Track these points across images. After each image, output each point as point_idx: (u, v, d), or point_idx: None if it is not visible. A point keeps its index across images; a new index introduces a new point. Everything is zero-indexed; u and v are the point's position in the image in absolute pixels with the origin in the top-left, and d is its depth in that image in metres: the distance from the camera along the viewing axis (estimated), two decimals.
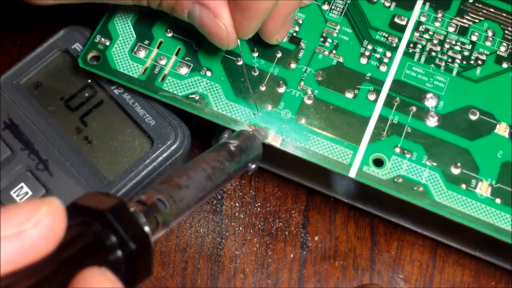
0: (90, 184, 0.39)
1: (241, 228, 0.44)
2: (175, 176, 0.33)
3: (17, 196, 0.39)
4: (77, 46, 0.42)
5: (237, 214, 0.44)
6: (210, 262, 0.43)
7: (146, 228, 0.28)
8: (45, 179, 0.39)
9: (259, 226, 0.44)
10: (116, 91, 0.41)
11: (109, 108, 0.41)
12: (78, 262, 0.26)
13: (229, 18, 0.36)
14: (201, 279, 0.42)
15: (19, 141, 0.40)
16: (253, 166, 0.37)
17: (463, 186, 0.38)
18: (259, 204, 0.44)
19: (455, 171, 0.38)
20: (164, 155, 0.40)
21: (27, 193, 0.39)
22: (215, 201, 0.44)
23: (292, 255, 0.43)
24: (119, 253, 0.27)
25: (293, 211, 0.44)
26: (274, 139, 0.39)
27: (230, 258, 0.43)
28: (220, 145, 0.36)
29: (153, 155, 0.40)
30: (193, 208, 0.33)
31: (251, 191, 0.44)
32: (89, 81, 0.42)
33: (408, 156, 0.39)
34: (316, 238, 0.43)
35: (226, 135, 0.38)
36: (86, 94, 0.41)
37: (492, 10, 0.42)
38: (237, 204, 0.44)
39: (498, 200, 0.38)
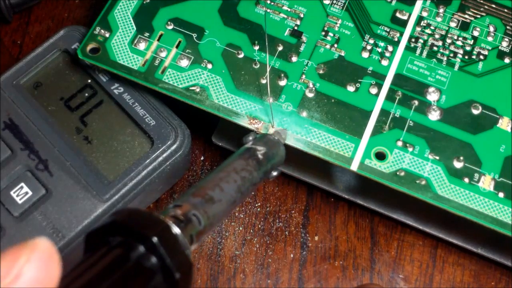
0: (90, 184, 0.39)
1: (241, 228, 0.43)
2: (208, 187, 0.32)
3: (17, 196, 0.39)
4: (77, 46, 0.42)
5: (237, 214, 0.44)
6: (210, 262, 0.42)
7: (190, 255, 0.27)
8: (45, 179, 0.39)
9: (259, 226, 0.43)
10: (116, 91, 0.41)
11: (109, 108, 0.41)
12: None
13: None
14: (201, 279, 0.42)
15: (19, 141, 0.40)
16: (275, 173, 0.36)
17: (466, 180, 0.38)
18: (259, 204, 0.44)
19: (458, 164, 0.38)
20: (164, 155, 0.40)
21: (27, 193, 0.39)
22: None
23: (292, 255, 0.43)
24: (160, 278, 0.26)
25: (293, 211, 0.44)
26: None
27: (230, 258, 0.42)
28: (247, 151, 0.35)
29: (153, 155, 0.40)
30: (220, 223, 0.32)
31: None
32: (89, 81, 0.42)
33: (410, 149, 0.38)
34: (316, 238, 0.43)
35: (250, 139, 0.37)
36: (86, 94, 0.41)
37: (493, 6, 0.42)
38: None
39: (501, 194, 0.37)
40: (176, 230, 0.28)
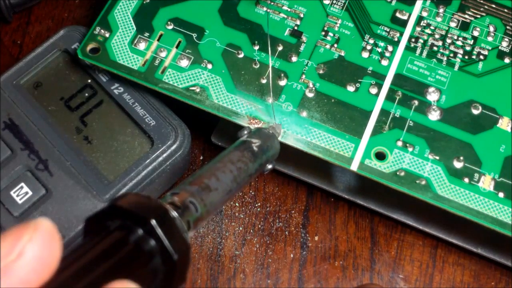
0: (90, 184, 0.39)
1: (241, 228, 0.43)
2: (204, 176, 0.32)
3: (17, 196, 0.39)
4: (77, 46, 0.42)
5: (237, 214, 0.44)
6: (210, 262, 0.42)
7: (188, 238, 0.28)
8: (45, 179, 0.39)
9: (259, 226, 0.43)
10: (116, 91, 0.41)
11: (109, 108, 0.41)
12: (118, 270, 0.25)
13: None
14: (201, 279, 0.42)
15: (19, 141, 0.40)
16: (270, 166, 0.36)
17: (466, 180, 0.38)
18: (259, 204, 0.44)
19: (458, 164, 0.38)
20: (164, 155, 0.40)
21: (27, 193, 0.39)
22: None
23: (292, 255, 0.43)
24: (158, 260, 0.26)
25: (293, 211, 0.44)
26: None
27: (230, 258, 0.42)
28: (242, 143, 0.35)
29: (153, 155, 0.40)
30: (217, 211, 0.32)
31: (251, 191, 0.44)
32: (89, 81, 0.42)
33: (410, 149, 0.38)
34: (316, 238, 0.43)
35: (245, 132, 0.37)
36: (86, 94, 0.41)
37: (493, 6, 0.42)
38: (237, 204, 0.44)
39: (501, 194, 0.37)
40: (174, 214, 0.28)
